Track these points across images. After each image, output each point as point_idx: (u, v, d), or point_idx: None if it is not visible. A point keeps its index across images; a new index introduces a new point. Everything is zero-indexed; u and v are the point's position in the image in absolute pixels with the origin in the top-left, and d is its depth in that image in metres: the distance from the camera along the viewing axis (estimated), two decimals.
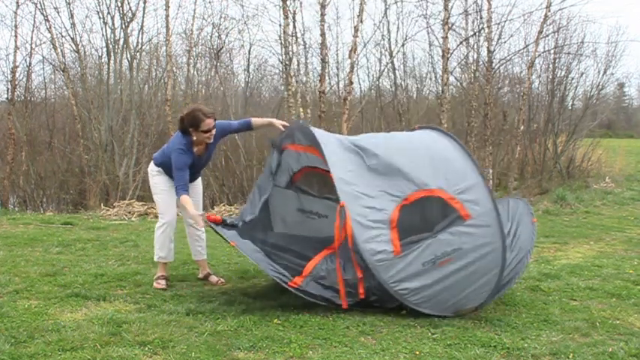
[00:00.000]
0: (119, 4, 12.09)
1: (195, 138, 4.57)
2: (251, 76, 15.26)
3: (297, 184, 4.93)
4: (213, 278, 4.97)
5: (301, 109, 10.49)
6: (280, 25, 10.64)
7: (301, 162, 4.83)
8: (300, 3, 18.71)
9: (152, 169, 4.86)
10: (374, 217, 4.05)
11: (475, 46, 13.05)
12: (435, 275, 3.95)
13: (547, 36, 13.03)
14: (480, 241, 3.98)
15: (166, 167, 4.72)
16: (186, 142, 4.57)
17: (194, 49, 13.19)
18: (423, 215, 4.19)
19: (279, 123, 4.79)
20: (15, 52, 11.93)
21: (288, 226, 4.94)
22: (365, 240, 3.97)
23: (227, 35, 13.48)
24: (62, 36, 12.29)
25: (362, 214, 4.04)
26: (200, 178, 5.06)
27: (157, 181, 4.82)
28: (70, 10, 11.98)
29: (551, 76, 14.68)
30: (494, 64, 11.24)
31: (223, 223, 4.46)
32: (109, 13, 12.15)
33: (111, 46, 12.37)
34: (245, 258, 4.96)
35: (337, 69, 14.21)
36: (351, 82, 10.30)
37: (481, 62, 12.55)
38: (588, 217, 9.50)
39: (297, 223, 4.94)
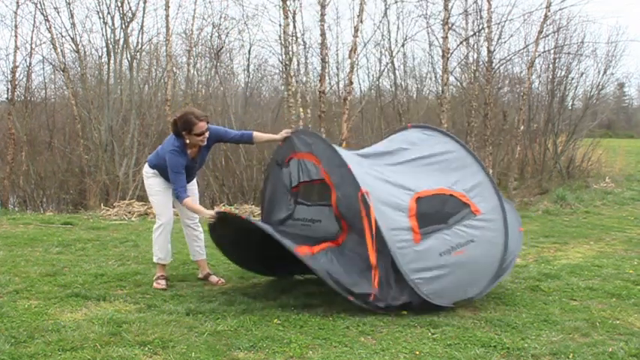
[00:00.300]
0: (119, 4, 12.08)
1: (188, 141, 4.58)
2: (251, 76, 15.29)
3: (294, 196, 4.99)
4: (214, 278, 4.98)
5: (301, 109, 10.48)
6: (280, 25, 10.63)
7: (299, 176, 4.86)
8: (300, 3, 18.78)
9: (147, 170, 4.86)
10: (394, 204, 4.13)
11: (475, 46, 13.04)
12: (449, 266, 4.09)
13: (547, 36, 13.02)
14: (488, 235, 4.27)
15: (161, 169, 4.72)
16: (179, 144, 4.56)
17: (194, 49, 13.19)
18: (438, 208, 4.29)
19: (279, 136, 4.81)
20: (15, 52, 11.93)
21: (285, 233, 4.98)
22: (388, 226, 4.02)
23: (227, 35, 13.49)
24: (62, 36, 12.28)
25: (383, 201, 4.10)
26: (195, 179, 5.04)
27: (152, 182, 4.82)
28: (70, 10, 11.98)
29: (551, 76, 14.68)
30: (494, 64, 11.23)
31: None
32: (109, 13, 12.15)
33: (111, 46, 12.36)
34: None
35: (337, 69, 14.23)
36: (351, 82, 10.29)
37: (481, 62, 12.54)
38: (588, 217, 9.50)
39: (294, 231, 4.94)
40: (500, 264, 4.28)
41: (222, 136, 4.84)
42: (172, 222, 4.86)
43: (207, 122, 4.56)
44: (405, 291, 4.00)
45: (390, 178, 4.31)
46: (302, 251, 4.10)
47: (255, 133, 4.92)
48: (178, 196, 4.53)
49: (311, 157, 4.53)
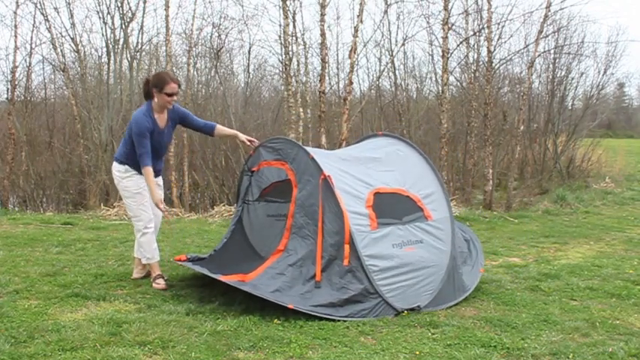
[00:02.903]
0: (119, 4, 12.06)
1: (156, 100, 4.66)
2: (251, 76, 15.28)
3: (265, 196, 5.11)
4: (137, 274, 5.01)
5: (301, 109, 10.47)
6: (280, 25, 10.62)
7: (270, 178, 4.99)
8: (300, 3, 18.74)
9: (119, 169, 4.84)
10: (353, 194, 4.33)
11: (475, 46, 13.04)
12: (400, 258, 4.20)
13: (547, 36, 13.01)
14: (436, 242, 4.44)
15: (132, 160, 4.72)
16: (146, 109, 4.67)
17: (194, 49, 13.17)
18: (395, 206, 4.48)
19: (243, 137, 5.01)
20: (15, 52, 11.89)
21: (259, 232, 5.10)
22: (348, 208, 4.17)
23: (227, 35, 13.46)
24: (62, 36, 12.24)
25: (342, 188, 4.29)
26: (161, 177, 5.04)
27: (128, 184, 4.81)
28: (70, 10, 11.94)
29: (551, 76, 14.68)
30: (494, 64, 11.20)
31: (187, 260, 4.80)
32: (109, 13, 12.12)
33: (111, 46, 12.35)
34: None
35: (337, 69, 14.20)
36: (351, 82, 10.27)
37: (481, 62, 12.53)
38: (588, 217, 9.50)
39: (267, 227, 5.06)
40: (448, 275, 4.36)
41: (186, 117, 4.95)
42: (152, 221, 4.85)
43: (179, 87, 4.71)
44: (355, 281, 4.04)
45: (351, 171, 4.51)
46: (230, 278, 4.22)
47: (218, 126, 5.07)
48: (141, 161, 4.57)
49: (276, 163, 4.77)
